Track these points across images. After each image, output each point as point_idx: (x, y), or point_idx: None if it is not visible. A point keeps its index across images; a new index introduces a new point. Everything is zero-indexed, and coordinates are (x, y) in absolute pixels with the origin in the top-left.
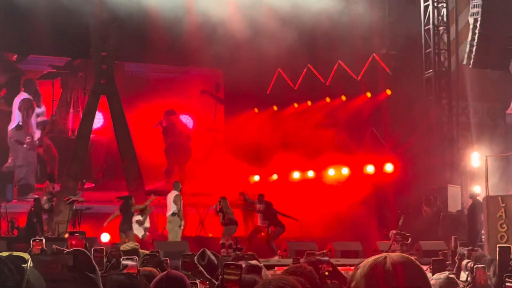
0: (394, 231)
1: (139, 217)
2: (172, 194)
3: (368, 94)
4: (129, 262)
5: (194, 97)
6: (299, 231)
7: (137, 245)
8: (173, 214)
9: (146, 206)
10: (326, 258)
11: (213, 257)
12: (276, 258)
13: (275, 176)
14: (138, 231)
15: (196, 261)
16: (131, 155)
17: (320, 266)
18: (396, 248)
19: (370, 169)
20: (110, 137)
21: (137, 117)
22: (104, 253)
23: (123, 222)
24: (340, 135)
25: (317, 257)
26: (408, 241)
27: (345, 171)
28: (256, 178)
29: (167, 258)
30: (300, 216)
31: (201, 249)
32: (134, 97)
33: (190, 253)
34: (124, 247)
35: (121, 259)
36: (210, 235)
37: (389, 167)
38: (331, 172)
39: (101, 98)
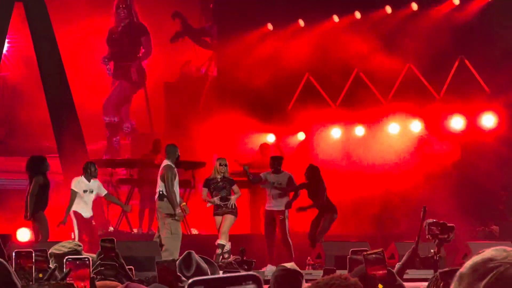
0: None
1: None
2: (162, 165)
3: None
4: None
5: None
6: (337, 224)
7: (79, 246)
8: (160, 197)
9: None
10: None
11: (203, 265)
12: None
13: (301, 135)
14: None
15: (178, 271)
16: (65, 100)
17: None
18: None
19: (457, 123)
20: (20, 74)
21: (73, 46)
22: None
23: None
24: (408, 69)
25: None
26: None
27: (415, 126)
28: (270, 138)
29: (132, 267)
30: (335, 199)
31: (185, 252)
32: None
33: (168, 259)
34: (59, 248)
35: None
36: (195, 231)
37: (488, 120)
38: (392, 128)
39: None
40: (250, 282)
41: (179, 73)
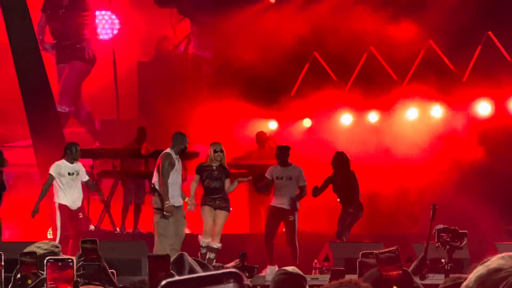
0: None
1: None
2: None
3: None
4: None
5: None
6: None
7: (56, 247)
8: (153, 190)
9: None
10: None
11: (197, 269)
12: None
13: (306, 122)
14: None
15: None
16: (38, 74)
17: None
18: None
19: (483, 108)
20: None
21: None
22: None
23: None
24: (428, 46)
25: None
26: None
27: (436, 111)
28: (272, 125)
29: (113, 271)
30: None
31: (177, 254)
32: None
33: (162, 254)
34: (33, 249)
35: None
36: (186, 230)
37: None
38: (410, 114)
39: None
40: (232, 280)
41: (154, 51)
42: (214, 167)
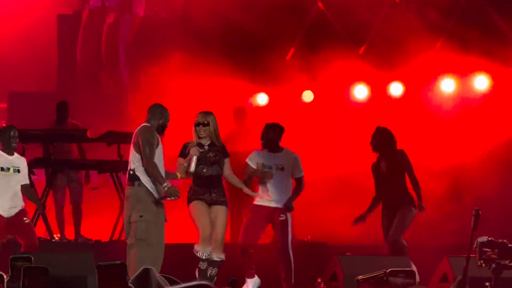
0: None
1: None
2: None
3: None
4: None
5: None
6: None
7: None
8: (131, 178)
9: None
10: None
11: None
12: None
13: (307, 96)
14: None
15: None
16: None
17: None
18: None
19: None
20: None
21: None
22: None
23: None
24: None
25: None
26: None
27: (481, 82)
28: (261, 100)
29: None
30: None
31: (142, 269)
32: None
33: (115, 262)
34: None
35: None
36: None
37: None
38: (445, 85)
39: None
40: None
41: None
42: (207, 147)
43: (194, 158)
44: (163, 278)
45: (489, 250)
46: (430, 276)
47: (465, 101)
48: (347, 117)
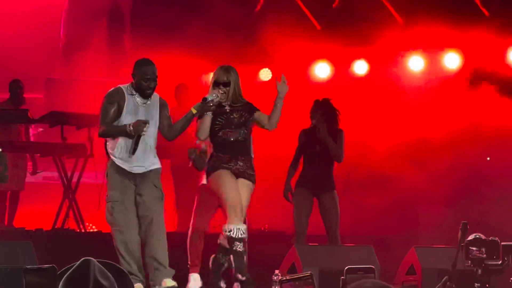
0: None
1: None
2: None
3: None
4: None
5: None
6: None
7: None
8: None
9: None
10: None
11: (105, 283)
12: None
13: (264, 74)
14: None
15: None
16: None
17: None
18: None
19: None
20: None
21: None
22: None
23: None
24: None
25: None
26: (504, 263)
27: (451, 60)
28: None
29: None
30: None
31: (81, 260)
32: None
33: (44, 266)
34: None
35: None
36: (92, 227)
37: None
38: (413, 63)
39: None
40: None
41: None
42: (228, 108)
43: (214, 95)
44: (103, 269)
45: (475, 249)
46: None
47: (434, 80)
48: (307, 96)
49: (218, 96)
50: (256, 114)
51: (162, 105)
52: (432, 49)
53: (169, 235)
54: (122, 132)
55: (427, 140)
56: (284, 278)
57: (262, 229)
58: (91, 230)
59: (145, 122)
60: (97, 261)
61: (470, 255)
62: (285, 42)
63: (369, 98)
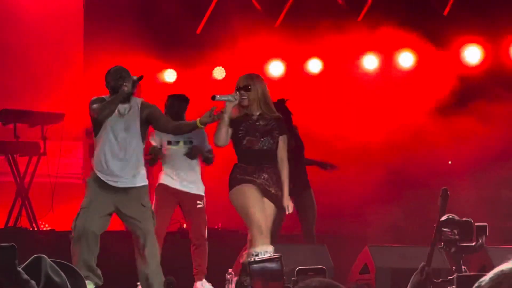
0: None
1: None
2: None
3: None
4: None
5: None
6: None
7: None
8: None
9: None
10: None
11: (56, 279)
12: None
13: (218, 73)
14: None
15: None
16: None
17: None
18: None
19: (472, 55)
20: None
21: None
22: None
23: None
24: None
25: None
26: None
27: (405, 59)
28: (169, 77)
29: None
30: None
31: (33, 257)
32: None
33: (2, 244)
34: None
35: None
36: (45, 226)
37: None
38: (368, 62)
39: None
40: None
41: None
42: (255, 117)
43: (229, 96)
44: (55, 267)
45: (448, 230)
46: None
47: (389, 79)
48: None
49: (232, 98)
50: (281, 137)
51: (145, 108)
52: (387, 48)
53: (118, 234)
54: (115, 103)
55: (377, 140)
56: (252, 260)
57: (216, 227)
58: (44, 229)
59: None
60: (51, 260)
61: (442, 236)
62: (239, 40)
63: (322, 97)
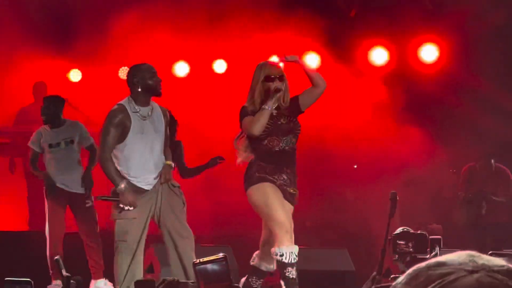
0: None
1: None
2: None
3: None
4: None
5: None
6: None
7: None
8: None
9: None
10: None
11: None
12: None
13: (124, 72)
14: None
15: None
16: None
17: None
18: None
19: (379, 56)
20: None
21: None
22: None
23: None
24: None
25: None
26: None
27: (313, 61)
28: (74, 77)
29: None
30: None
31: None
32: None
33: None
34: None
35: None
36: None
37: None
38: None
39: None
40: None
41: None
42: (275, 112)
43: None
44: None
45: (403, 242)
46: None
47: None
48: (169, 94)
49: (280, 89)
50: (301, 97)
51: (165, 116)
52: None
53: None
54: (113, 182)
55: None
56: (197, 261)
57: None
58: None
59: (134, 202)
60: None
61: (397, 249)
62: (146, 40)
63: (227, 97)
